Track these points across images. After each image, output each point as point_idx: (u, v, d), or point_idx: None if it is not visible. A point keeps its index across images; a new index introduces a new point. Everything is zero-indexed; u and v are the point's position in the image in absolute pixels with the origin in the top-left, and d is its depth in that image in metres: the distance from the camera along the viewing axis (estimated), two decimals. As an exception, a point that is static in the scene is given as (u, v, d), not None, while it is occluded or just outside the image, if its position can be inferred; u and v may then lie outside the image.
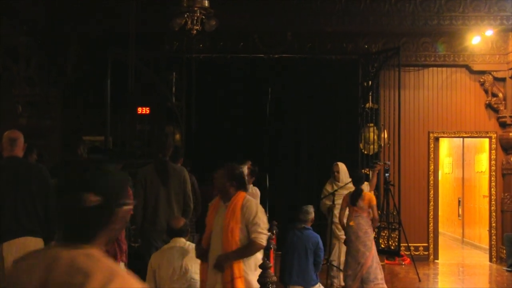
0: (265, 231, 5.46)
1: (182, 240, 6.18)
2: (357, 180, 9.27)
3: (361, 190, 9.13)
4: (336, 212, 9.55)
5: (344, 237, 9.33)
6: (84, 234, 2.08)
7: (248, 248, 5.37)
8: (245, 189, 5.63)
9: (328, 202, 9.77)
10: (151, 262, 6.10)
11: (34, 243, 5.97)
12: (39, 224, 6.02)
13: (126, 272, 2.06)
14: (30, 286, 2.00)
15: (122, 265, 6.32)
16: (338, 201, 9.56)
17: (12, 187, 5.96)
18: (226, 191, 5.57)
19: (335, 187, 9.78)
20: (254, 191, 8.81)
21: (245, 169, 9.40)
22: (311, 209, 8.72)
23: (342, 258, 9.45)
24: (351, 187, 9.44)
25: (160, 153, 7.42)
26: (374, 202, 9.25)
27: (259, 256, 5.77)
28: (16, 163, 6.09)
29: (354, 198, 9.02)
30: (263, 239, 5.40)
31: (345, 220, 9.20)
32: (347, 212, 9.17)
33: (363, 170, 11.39)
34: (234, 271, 5.34)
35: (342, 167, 9.97)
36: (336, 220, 9.52)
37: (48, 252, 2.09)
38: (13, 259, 5.74)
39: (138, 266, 7.28)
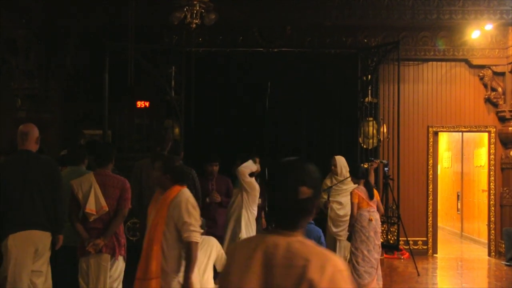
0: (197, 228, 5.24)
1: None
2: (362, 175, 9.06)
3: (372, 184, 9.07)
4: (340, 209, 9.45)
5: (341, 234, 9.27)
6: (294, 223, 2.45)
7: (188, 252, 5.20)
8: (182, 183, 5.43)
9: (323, 197, 9.50)
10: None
11: (39, 236, 6.05)
12: (47, 218, 6.07)
13: (333, 254, 2.40)
14: (249, 265, 2.39)
15: (121, 259, 6.32)
16: (336, 198, 9.46)
17: (20, 181, 6.01)
18: (162, 183, 5.45)
19: (334, 181, 9.64)
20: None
21: (256, 166, 9.43)
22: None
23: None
24: (350, 182, 9.39)
25: (159, 146, 7.41)
26: (379, 197, 9.23)
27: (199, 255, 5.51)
28: (26, 157, 6.12)
29: (371, 192, 8.81)
30: (196, 237, 5.21)
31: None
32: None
33: (362, 165, 11.38)
34: (149, 271, 5.19)
35: (340, 160, 9.76)
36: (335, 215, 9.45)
37: (265, 238, 2.45)
38: (17, 251, 5.82)
39: (137, 260, 7.29)
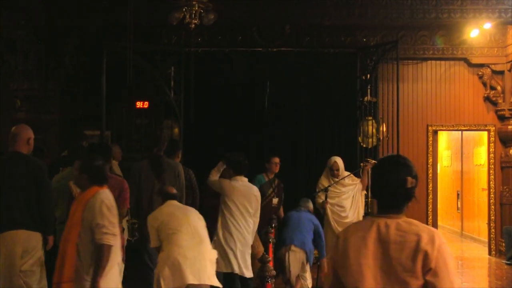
0: (111, 230, 5.10)
1: (176, 202, 6.46)
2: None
3: None
4: (342, 211, 9.30)
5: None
6: (401, 207, 3.00)
7: (98, 254, 5.07)
8: (100, 183, 5.26)
9: (321, 199, 9.33)
10: (151, 223, 6.19)
11: (27, 236, 6.05)
12: (33, 219, 6.07)
13: (435, 229, 2.98)
14: (365, 243, 2.92)
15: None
16: (336, 200, 9.26)
17: (7, 182, 6.01)
18: (79, 183, 5.38)
19: (332, 182, 9.32)
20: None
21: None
22: (309, 201, 8.82)
23: None
24: (350, 183, 9.34)
25: (155, 147, 7.41)
26: None
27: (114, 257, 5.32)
28: (14, 158, 6.13)
29: None
30: (109, 239, 5.06)
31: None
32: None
33: (361, 164, 11.38)
34: (64, 275, 5.06)
35: (341, 163, 9.45)
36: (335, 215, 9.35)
37: (375, 220, 2.98)
38: (5, 251, 5.82)
39: (137, 261, 7.32)
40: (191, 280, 5.87)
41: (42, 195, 6.13)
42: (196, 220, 6.23)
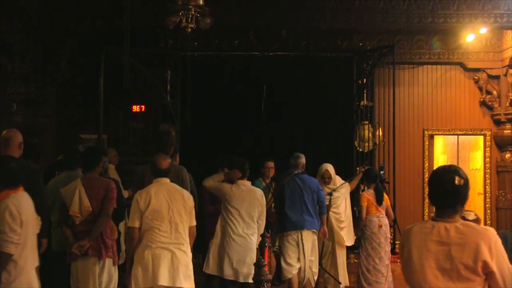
0: (11, 237, 4.83)
1: (166, 179, 6.21)
2: (375, 177, 8.98)
3: (381, 188, 8.95)
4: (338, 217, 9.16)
5: (343, 240, 9.07)
6: (453, 207, 3.47)
7: None
8: (13, 187, 4.99)
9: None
10: (136, 201, 6.02)
11: None
12: None
13: (490, 230, 3.40)
14: (426, 245, 3.40)
15: (109, 262, 6.29)
16: (333, 208, 9.03)
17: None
18: None
19: (327, 190, 9.02)
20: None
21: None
22: (301, 155, 8.60)
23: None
24: (342, 187, 9.25)
25: (161, 151, 7.36)
26: (389, 202, 9.07)
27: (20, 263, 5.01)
28: (8, 162, 6.12)
29: (379, 197, 8.75)
30: (8, 247, 4.80)
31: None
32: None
33: (357, 168, 11.39)
34: None
35: (332, 170, 9.23)
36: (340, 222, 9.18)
37: (435, 224, 3.45)
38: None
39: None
40: (163, 281, 5.84)
41: (36, 199, 6.13)
42: (179, 214, 6.01)
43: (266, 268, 5.38)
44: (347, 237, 9.15)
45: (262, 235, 7.69)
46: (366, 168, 9.87)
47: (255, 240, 7.44)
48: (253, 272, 7.09)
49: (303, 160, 8.54)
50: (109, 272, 6.29)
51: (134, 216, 5.99)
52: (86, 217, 6.17)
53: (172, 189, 6.15)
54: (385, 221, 8.75)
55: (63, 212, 6.26)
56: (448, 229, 3.39)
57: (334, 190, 9.01)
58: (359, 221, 8.82)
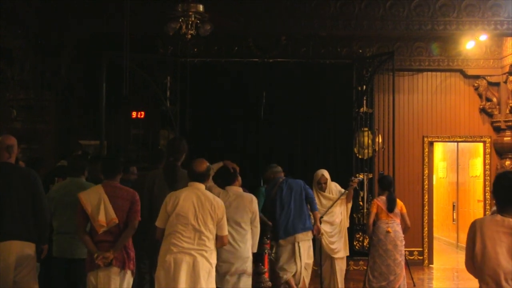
0: None
1: (200, 184, 6.09)
2: (389, 184, 8.96)
3: (395, 195, 8.91)
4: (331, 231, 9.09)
5: (337, 251, 8.95)
6: None
7: None
8: None
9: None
10: (166, 203, 5.95)
11: (20, 246, 5.99)
12: (27, 229, 6.03)
13: None
14: (499, 237, 4.01)
15: (129, 273, 6.19)
16: (326, 217, 8.90)
17: (0, 192, 5.98)
18: None
19: (322, 199, 9.01)
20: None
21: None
22: (276, 166, 8.79)
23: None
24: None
25: (172, 157, 7.26)
26: (405, 209, 8.94)
27: None
28: (7, 169, 6.11)
29: (391, 204, 8.68)
30: None
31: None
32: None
33: (357, 175, 11.38)
34: None
35: (327, 175, 9.19)
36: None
37: (504, 217, 4.02)
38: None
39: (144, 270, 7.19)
40: (183, 286, 5.80)
41: (36, 205, 6.10)
42: (204, 222, 5.88)
43: (266, 275, 5.36)
44: (339, 249, 9.03)
45: (261, 242, 7.60)
46: (357, 180, 9.74)
47: (245, 247, 7.23)
48: (243, 280, 7.01)
49: (280, 168, 8.79)
50: (128, 284, 6.20)
51: (162, 217, 5.96)
52: (110, 227, 6.04)
53: (203, 195, 5.99)
54: (395, 228, 8.65)
55: (82, 218, 6.02)
56: None
57: (325, 213, 8.87)
58: (366, 227, 8.81)
